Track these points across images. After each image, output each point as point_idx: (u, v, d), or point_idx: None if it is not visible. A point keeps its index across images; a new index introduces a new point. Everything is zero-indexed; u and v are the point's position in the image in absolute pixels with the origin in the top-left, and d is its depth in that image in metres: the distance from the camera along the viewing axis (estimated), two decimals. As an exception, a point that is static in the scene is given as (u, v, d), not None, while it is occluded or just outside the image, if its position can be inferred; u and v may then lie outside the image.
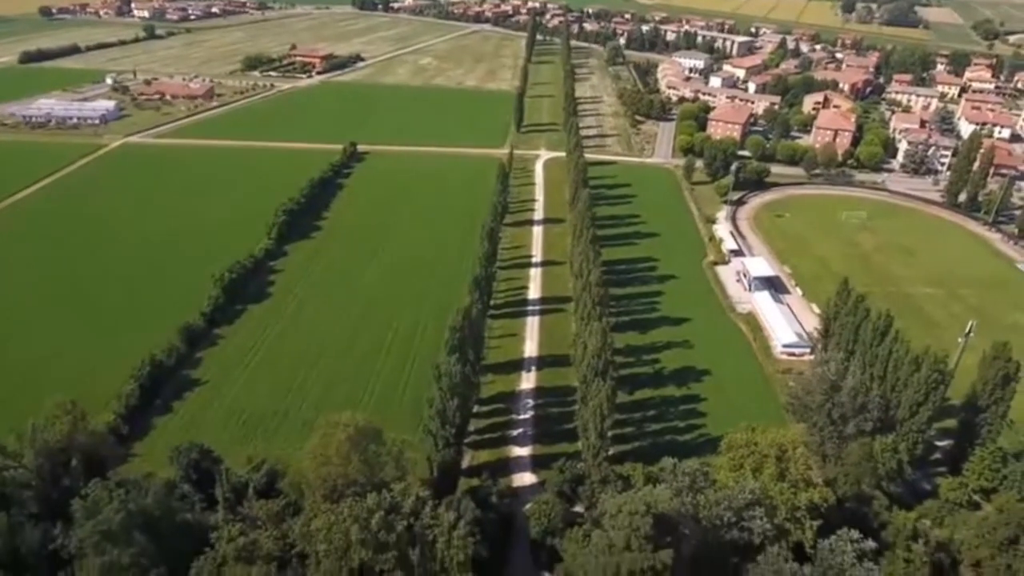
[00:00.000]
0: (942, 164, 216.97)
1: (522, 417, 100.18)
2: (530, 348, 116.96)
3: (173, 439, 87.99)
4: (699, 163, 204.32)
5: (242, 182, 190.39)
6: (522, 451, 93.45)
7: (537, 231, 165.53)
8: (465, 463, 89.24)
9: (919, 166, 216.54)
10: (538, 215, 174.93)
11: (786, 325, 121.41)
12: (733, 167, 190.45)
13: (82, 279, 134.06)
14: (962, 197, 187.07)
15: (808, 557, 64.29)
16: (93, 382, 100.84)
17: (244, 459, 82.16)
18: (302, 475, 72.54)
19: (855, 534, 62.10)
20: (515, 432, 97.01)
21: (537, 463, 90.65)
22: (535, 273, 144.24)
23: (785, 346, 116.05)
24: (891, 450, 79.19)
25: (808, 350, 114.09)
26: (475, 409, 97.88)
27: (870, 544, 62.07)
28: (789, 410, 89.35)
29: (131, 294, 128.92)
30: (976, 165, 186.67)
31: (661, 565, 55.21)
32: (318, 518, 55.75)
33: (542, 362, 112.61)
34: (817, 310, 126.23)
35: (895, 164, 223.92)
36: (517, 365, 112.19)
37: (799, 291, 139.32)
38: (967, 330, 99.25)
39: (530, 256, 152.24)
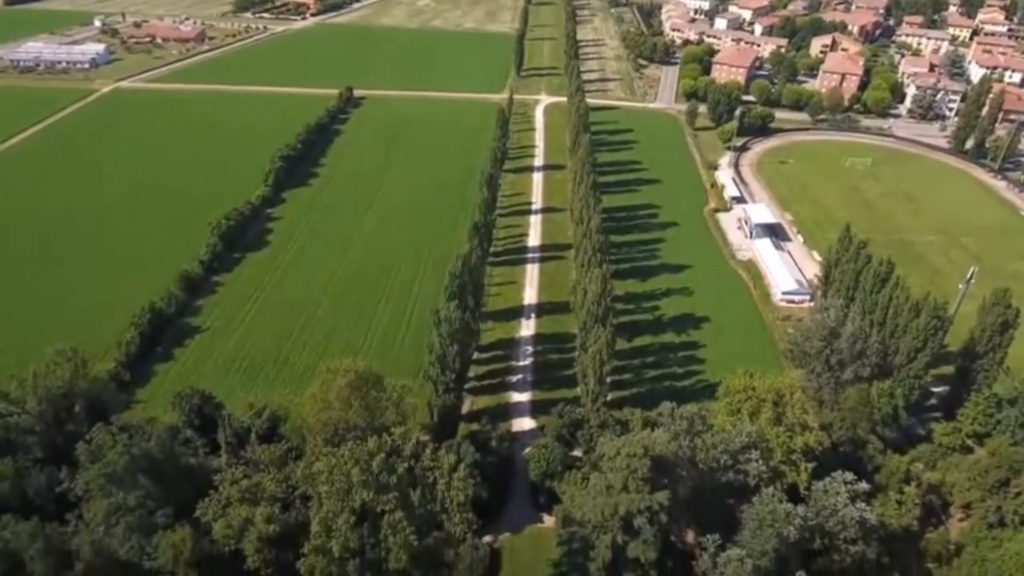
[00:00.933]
0: (950, 109, 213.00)
1: (521, 364, 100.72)
2: (530, 295, 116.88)
3: (174, 386, 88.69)
4: (703, 108, 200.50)
5: (237, 128, 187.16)
6: (521, 397, 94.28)
7: (537, 178, 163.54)
8: (465, 409, 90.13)
9: (927, 111, 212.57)
10: (538, 161, 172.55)
11: (786, 272, 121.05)
12: (737, 112, 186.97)
13: (78, 227, 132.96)
14: (969, 143, 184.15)
15: (802, 499, 65.43)
16: (93, 330, 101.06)
17: (245, 405, 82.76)
18: (303, 420, 73.35)
19: (849, 476, 63.01)
20: (514, 378, 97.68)
21: (536, 409, 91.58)
22: (535, 220, 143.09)
23: (785, 293, 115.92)
24: (887, 395, 79.76)
25: (808, 297, 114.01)
26: (475, 356, 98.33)
27: (863, 486, 63.04)
28: (787, 356, 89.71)
29: (128, 242, 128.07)
30: (985, 110, 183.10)
31: (658, 506, 56.14)
32: (320, 461, 56.46)
33: (542, 309, 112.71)
34: (818, 257, 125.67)
35: (902, 109, 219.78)
36: (517, 312, 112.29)
37: (800, 238, 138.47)
38: (968, 277, 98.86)
39: (530, 203, 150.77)
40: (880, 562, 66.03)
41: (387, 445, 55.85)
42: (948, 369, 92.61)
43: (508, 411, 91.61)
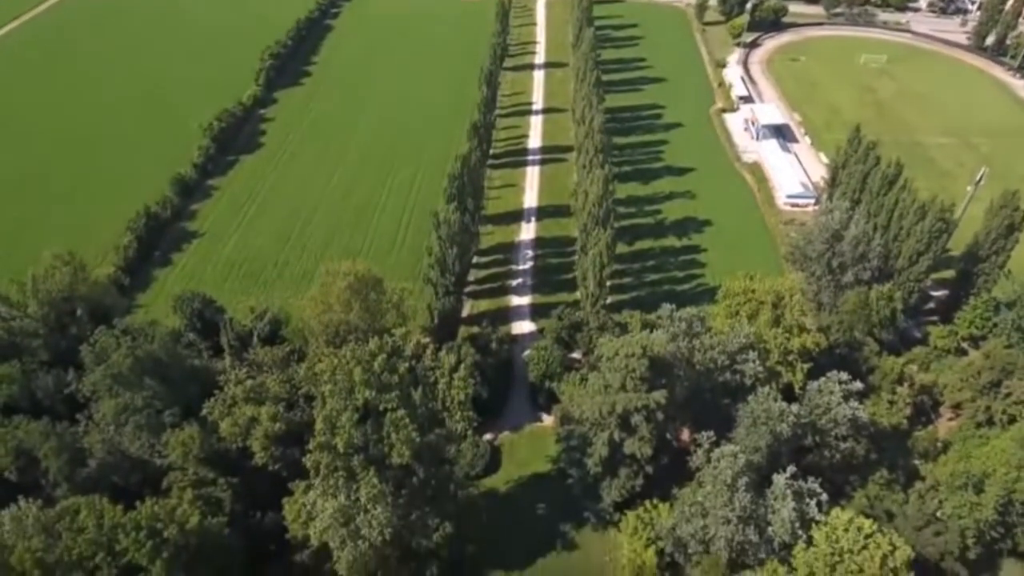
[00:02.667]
0: (972, 3, 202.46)
1: (521, 267, 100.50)
2: (530, 198, 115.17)
3: (174, 290, 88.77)
4: (712, 0, 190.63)
5: (224, 22, 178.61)
6: (521, 300, 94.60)
7: (538, 76, 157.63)
8: (465, 312, 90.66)
9: (947, 5, 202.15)
10: (539, 59, 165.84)
11: (792, 175, 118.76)
12: (748, 5, 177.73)
13: (64, 132, 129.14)
14: (990, 40, 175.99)
15: (796, 398, 66.68)
16: (89, 235, 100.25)
17: (246, 309, 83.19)
18: (304, 322, 73.85)
19: (844, 376, 63.83)
20: (514, 282, 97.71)
21: (536, 312, 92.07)
22: (536, 121, 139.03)
23: (789, 197, 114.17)
24: (886, 298, 79.81)
25: (812, 201, 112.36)
26: (474, 259, 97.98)
27: (857, 385, 63.97)
28: (788, 260, 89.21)
29: (118, 146, 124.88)
30: (1009, 4, 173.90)
31: (654, 404, 57.16)
32: (322, 362, 57.02)
33: (542, 212, 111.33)
34: (825, 160, 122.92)
35: (921, 2, 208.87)
36: (517, 216, 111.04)
37: (808, 140, 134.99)
38: (977, 178, 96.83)
39: (531, 103, 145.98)
40: (868, 458, 68.05)
41: (388, 346, 56.23)
42: (949, 273, 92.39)
43: (508, 314, 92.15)
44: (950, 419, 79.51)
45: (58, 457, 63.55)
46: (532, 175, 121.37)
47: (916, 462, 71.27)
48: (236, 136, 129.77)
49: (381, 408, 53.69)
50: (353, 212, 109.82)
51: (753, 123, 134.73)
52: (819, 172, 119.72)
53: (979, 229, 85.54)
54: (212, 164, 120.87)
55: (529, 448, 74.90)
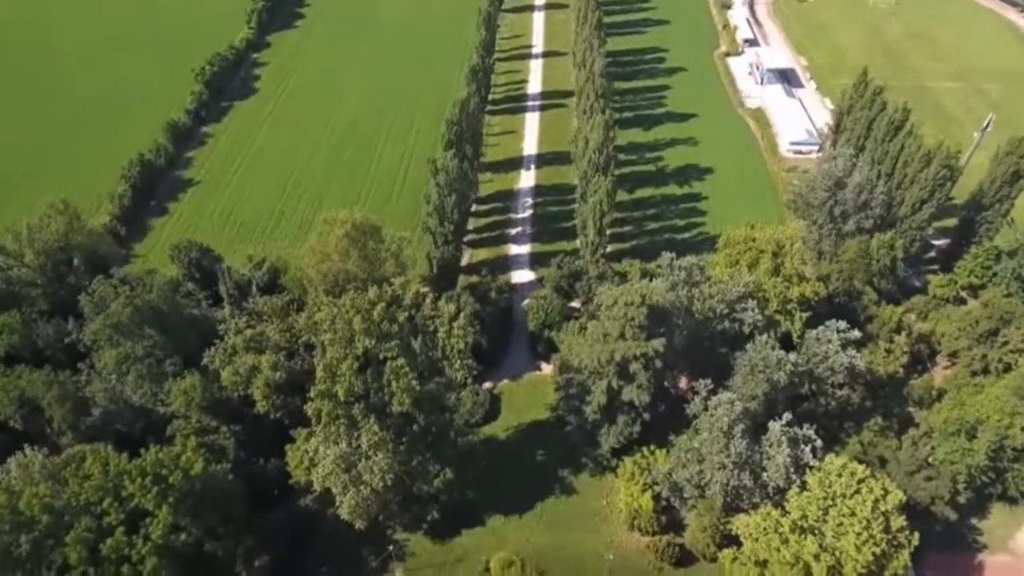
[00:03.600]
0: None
1: (521, 216, 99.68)
2: (529, 145, 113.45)
3: (171, 240, 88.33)
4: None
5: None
6: (521, 249, 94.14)
7: (538, 18, 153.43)
8: (464, 261, 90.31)
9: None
10: (539, 0, 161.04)
11: (796, 121, 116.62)
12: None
13: (53, 80, 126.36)
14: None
15: (795, 347, 66.89)
16: (84, 185, 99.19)
17: (244, 258, 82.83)
18: (303, 272, 73.58)
19: (842, 324, 63.83)
20: (514, 231, 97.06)
21: (535, 261, 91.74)
22: (535, 65, 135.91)
23: (792, 143, 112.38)
24: (887, 247, 79.30)
25: (816, 148, 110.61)
26: (473, 208, 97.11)
27: (855, 334, 64.02)
28: (790, 207, 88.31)
29: (110, 95, 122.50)
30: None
31: (653, 352, 57.34)
32: (321, 311, 57.02)
33: (542, 160, 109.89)
34: (830, 105, 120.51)
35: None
36: (516, 163, 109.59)
37: (813, 84, 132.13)
38: (984, 125, 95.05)
39: (530, 46, 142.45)
40: (863, 406, 68.74)
41: (387, 295, 56.17)
42: (951, 222, 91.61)
43: (507, 263, 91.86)
44: (946, 368, 79.97)
45: (61, 406, 64.20)
46: (531, 121, 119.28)
47: (911, 410, 72.00)
48: (229, 81, 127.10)
49: (381, 357, 53.93)
50: (350, 160, 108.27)
51: (758, 67, 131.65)
52: (824, 118, 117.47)
53: (984, 177, 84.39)
54: (205, 110, 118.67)
55: (528, 396, 75.60)
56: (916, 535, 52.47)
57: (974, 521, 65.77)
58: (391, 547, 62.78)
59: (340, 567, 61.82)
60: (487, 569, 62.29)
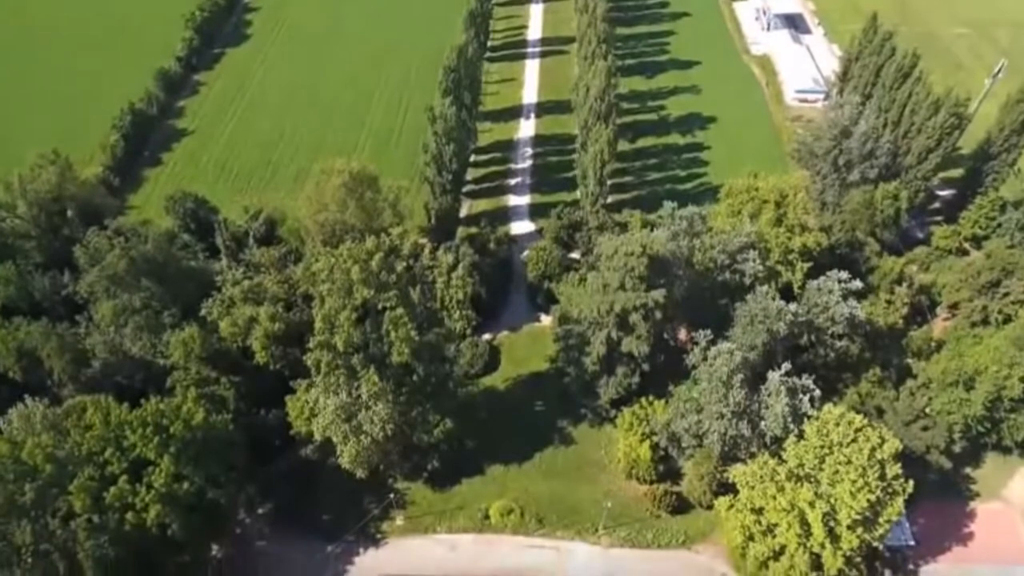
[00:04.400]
0: None
1: (520, 166, 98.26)
2: (529, 93, 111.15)
3: (165, 191, 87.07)
4: None
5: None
6: (520, 200, 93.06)
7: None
8: (463, 212, 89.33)
9: None
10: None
11: (802, 68, 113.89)
12: None
13: (40, 28, 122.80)
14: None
15: (795, 297, 66.52)
16: (75, 136, 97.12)
17: (240, 209, 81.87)
18: (300, 222, 72.77)
19: (844, 274, 63.32)
20: (513, 181, 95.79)
21: (535, 212, 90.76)
22: (535, 10, 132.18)
23: (798, 91, 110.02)
24: (891, 197, 78.24)
25: (822, 96, 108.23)
26: (472, 158, 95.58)
27: (856, 284, 63.55)
28: (794, 157, 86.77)
29: (98, 42, 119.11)
30: None
31: (653, 303, 56.99)
32: (319, 261, 56.47)
33: (542, 108, 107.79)
34: (839, 52, 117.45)
35: None
36: (516, 112, 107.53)
37: (821, 30, 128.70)
38: (995, 72, 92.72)
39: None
40: (862, 357, 68.73)
41: (385, 245, 55.51)
42: (957, 172, 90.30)
43: (507, 214, 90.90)
44: (945, 319, 79.81)
45: (61, 357, 64.14)
46: (531, 69, 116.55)
47: (909, 361, 71.99)
48: (221, 27, 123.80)
49: (380, 307, 53.62)
50: (346, 109, 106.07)
51: (765, 12, 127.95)
52: (832, 65, 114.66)
53: (992, 125, 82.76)
54: (197, 57, 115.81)
55: (527, 348, 75.66)
56: (911, 483, 52.98)
57: (968, 470, 66.50)
58: (392, 495, 63.68)
59: (342, 515, 62.72)
60: (486, 517, 63.30)
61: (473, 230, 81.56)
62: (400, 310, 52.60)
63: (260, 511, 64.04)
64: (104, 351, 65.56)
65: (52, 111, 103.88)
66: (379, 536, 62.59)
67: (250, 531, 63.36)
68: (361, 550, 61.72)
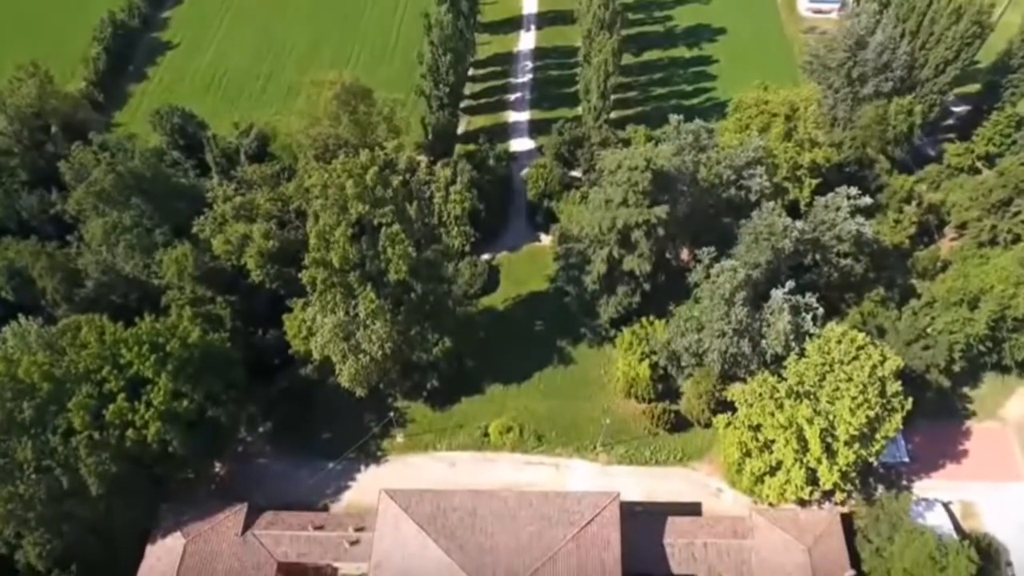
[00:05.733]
0: None
1: (520, 80, 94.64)
2: (530, 3, 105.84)
3: (152, 107, 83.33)
4: None
5: None
6: (520, 116, 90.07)
7: None
8: (461, 129, 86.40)
9: None
10: None
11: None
12: None
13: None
14: None
15: (801, 216, 64.97)
16: (54, 49, 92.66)
17: (230, 125, 79.08)
18: (292, 138, 70.34)
19: (853, 190, 61.50)
20: (513, 96, 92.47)
21: (535, 128, 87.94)
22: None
23: (812, 1, 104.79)
24: (905, 112, 75.34)
25: (837, 6, 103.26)
26: (470, 72, 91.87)
27: (866, 200, 61.79)
28: (806, 70, 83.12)
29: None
30: None
31: (656, 220, 55.47)
32: (312, 176, 54.55)
33: (543, 19, 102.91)
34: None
35: None
36: (516, 23, 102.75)
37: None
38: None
39: None
40: (866, 277, 67.77)
41: (380, 159, 53.53)
42: (974, 87, 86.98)
43: (506, 131, 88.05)
44: (953, 239, 78.39)
45: (52, 277, 63.07)
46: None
47: (914, 281, 71.14)
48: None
49: (376, 223, 52.18)
50: (339, 19, 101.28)
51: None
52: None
53: (1015, 34, 78.99)
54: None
55: (527, 267, 74.61)
56: (910, 400, 52.92)
57: (966, 390, 66.56)
58: (392, 414, 63.96)
59: (342, 433, 63.05)
60: (486, 435, 63.78)
61: (471, 147, 78.93)
62: (397, 226, 51.15)
63: (261, 429, 64.52)
64: (96, 271, 64.40)
65: (29, 24, 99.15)
66: (379, 454, 63.21)
67: (252, 449, 63.96)
68: (362, 467, 62.45)
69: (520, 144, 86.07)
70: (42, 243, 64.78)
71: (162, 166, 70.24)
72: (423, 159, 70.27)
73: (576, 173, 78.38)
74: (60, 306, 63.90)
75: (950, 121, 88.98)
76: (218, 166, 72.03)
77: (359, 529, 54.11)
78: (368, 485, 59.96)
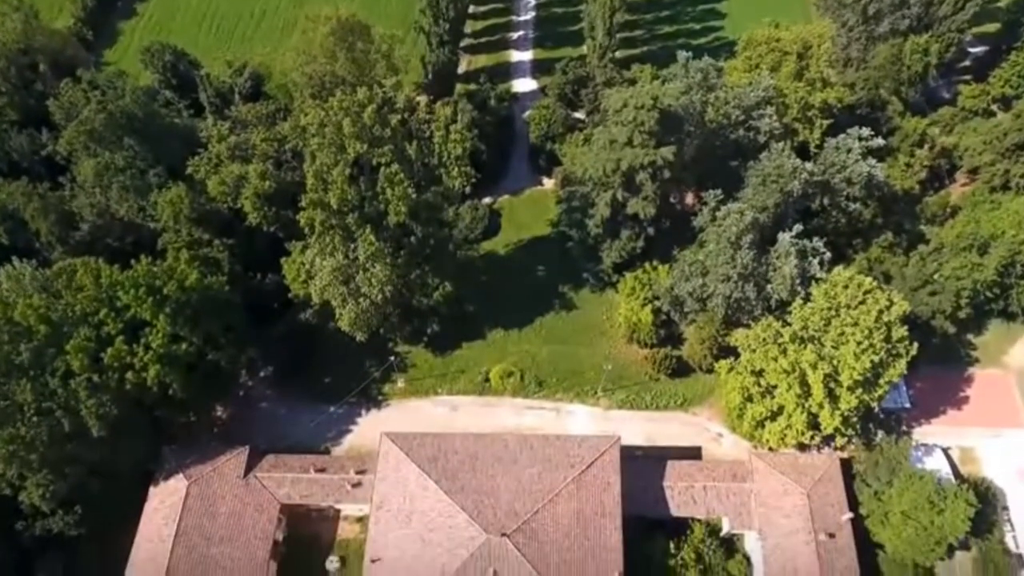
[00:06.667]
0: None
1: (523, 18, 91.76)
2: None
3: (143, 44, 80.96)
4: None
5: None
6: (522, 56, 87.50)
7: None
8: (461, 68, 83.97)
9: None
10: None
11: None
12: None
13: None
14: None
15: (811, 158, 63.26)
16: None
17: (223, 64, 76.59)
18: (287, 76, 68.14)
19: (865, 131, 59.66)
20: (515, 35, 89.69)
21: (538, 68, 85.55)
22: None
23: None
24: (921, 52, 72.82)
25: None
26: (471, 8, 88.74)
27: (878, 141, 59.97)
28: (819, 6, 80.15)
29: None
30: None
31: (662, 161, 53.94)
32: (308, 114, 52.78)
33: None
34: None
35: None
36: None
37: None
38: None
39: None
40: (874, 222, 66.58)
41: (378, 97, 51.66)
42: (993, 27, 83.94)
43: (508, 71, 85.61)
44: (963, 184, 76.80)
45: (46, 219, 62.01)
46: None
47: (923, 227, 69.86)
48: None
49: (374, 163, 50.74)
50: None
51: None
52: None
53: (1039, -32, 75.86)
54: None
55: (529, 211, 73.39)
56: (915, 345, 52.38)
57: (970, 336, 66.10)
58: (392, 359, 63.70)
59: (343, 378, 62.89)
60: (487, 379, 63.64)
61: (472, 87, 76.62)
62: (396, 166, 49.71)
63: (262, 374, 64.42)
64: (91, 214, 63.30)
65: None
66: (380, 398, 63.21)
67: (253, 393, 63.94)
68: (363, 411, 62.51)
69: (523, 84, 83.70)
70: (34, 184, 63.39)
71: (154, 105, 68.21)
72: (422, 99, 68.15)
73: (580, 115, 76.32)
74: (55, 249, 63.04)
75: (966, 62, 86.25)
76: (212, 106, 70.08)
77: (360, 472, 54.34)
78: (369, 429, 60.10)
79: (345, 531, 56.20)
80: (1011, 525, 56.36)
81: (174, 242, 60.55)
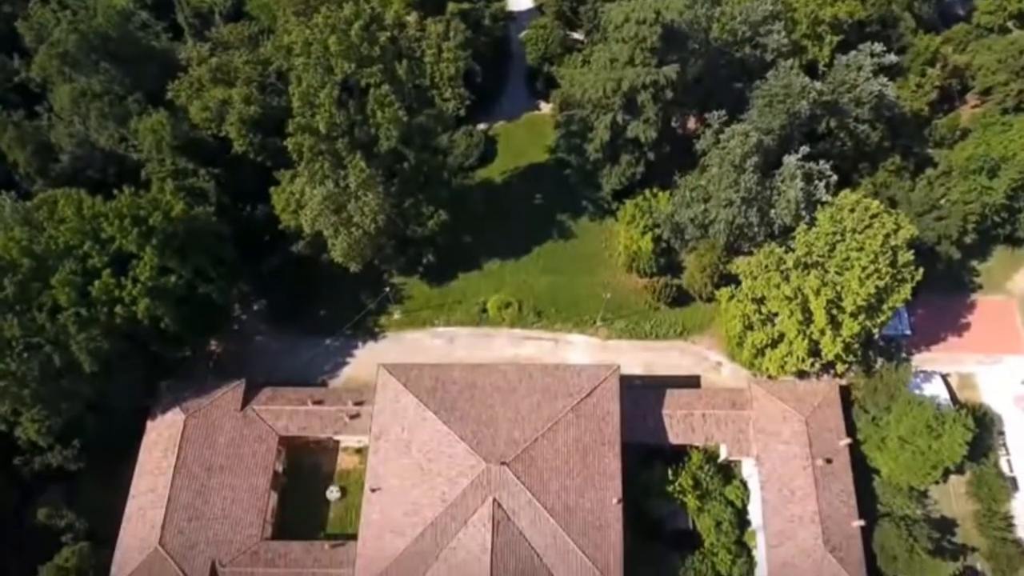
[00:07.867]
0: None
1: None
2: None
3: (115, -40, 76.29)
4: None
5: None
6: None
7: None
8: (453, -13, 79.49)
9: None
10: None
11: None
12: None
13: None
14: None
15: (820, 78, 60.72)
16: None
17: (201, -15, 72.39)
18: (268, -7, 64.60)
19: (878, 47, 57.00)
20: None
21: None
22: None
23: None
24: (937, -37, 69.27)
25: None
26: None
27: (891, 58, 57.47)
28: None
29: None
30: None
31: (665, 80, 51.48)
32: (292, 32, 49.90)
33: None
34: None
35: None
36: None
37: None
38: None
39: None
40: (881, 145, 64.54)
41: (365, 13, 48.68)
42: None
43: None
44: (974, 106, 74.29)
45: (23, 149, 59.70)
46: None
47: (931, 151, 67.90)
48: None
49: (363, 84, 48.28)
50: None
51: None
52: None
53: None
54: None
55: (526, 137, 71.07)
56: (920, 270, 51.42)
57: (974, 263, 65.17)
58: (387, 290, 62.71)
59: (338, 310, 62.01)
60: (484, 310, 62.82)
61: (465, 5, 72.62)
62: (386, 87, 47.31)
63: (255, 307, 63.45)
64: (70, 144, 60.83)
65: None
66: (376, 330, 62.49)
67: (248, 327, 63.11)
68: (359, 343, 61.87)
69: (518, 3, 79.46)
70: (8, 113, 60.72)
71: (130, 27, 64.67)
72: (412, 17, 64.65)
73: (579, 35, 72.94)
74: (35, 181, 61.03)
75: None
76: (191, 27, 66.72)
77: (358, 403, 54.03)
78: (366, 361, 59.61)
79: (344, 462, 56.33)
80: (1006, 449, 56.81)
81: (158, 172, 58.35)
